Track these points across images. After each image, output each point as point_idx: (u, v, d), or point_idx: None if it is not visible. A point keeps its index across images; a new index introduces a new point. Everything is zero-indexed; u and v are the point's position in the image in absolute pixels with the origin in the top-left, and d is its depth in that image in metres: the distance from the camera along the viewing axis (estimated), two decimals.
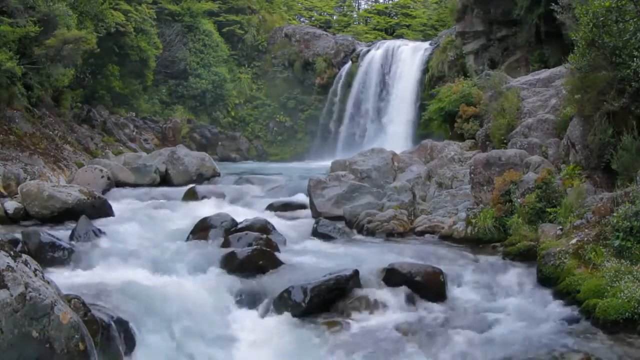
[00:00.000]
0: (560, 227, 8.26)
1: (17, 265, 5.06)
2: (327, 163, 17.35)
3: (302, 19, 44.96)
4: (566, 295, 6.88)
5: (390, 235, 10.30)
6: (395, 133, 26.10)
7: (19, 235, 8.75)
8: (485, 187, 10.26)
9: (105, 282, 7.02)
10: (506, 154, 10.50)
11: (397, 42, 31.78)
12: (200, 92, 31.33)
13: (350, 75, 30.49)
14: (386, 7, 46.68)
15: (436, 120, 20.02)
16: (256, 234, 9.26)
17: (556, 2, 13.14)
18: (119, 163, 17.18)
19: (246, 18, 34.61)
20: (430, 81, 25.84)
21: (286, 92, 33.06)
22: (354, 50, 32.09)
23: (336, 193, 12.04)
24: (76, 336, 4.91)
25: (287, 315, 6.71)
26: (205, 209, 12.31)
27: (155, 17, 28.79)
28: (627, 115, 8.74)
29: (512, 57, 21.64)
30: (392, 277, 7.43)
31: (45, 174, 14.69)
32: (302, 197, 13.19)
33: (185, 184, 16.24)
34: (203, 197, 13.81)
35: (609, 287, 6.35)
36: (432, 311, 6.92)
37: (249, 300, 7.09)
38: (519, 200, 9.23)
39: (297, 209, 12.64)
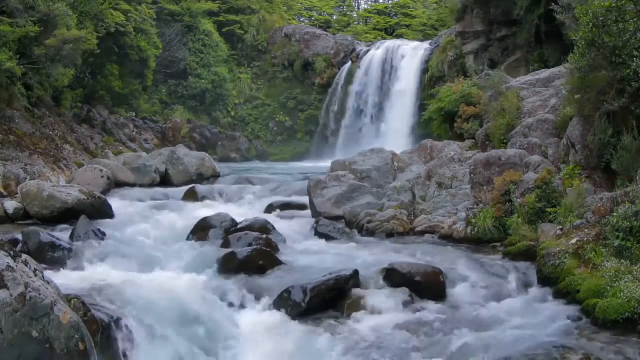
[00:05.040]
0: (560, 227, 8.25)
1: (17, 265, 5.06)
2: (327, 163, 17.33)
3: (302, 19, 44.94)
4: (566, 295, 6.87)
5: (390, 235, 10.30)
6: (395, 133, 26.10)
7: (19, 235, 8.75)
8: (485, 187, 10.26)
9: (106, 282, 7.01)
10: (506, 154, 10.49)
11: (397, 42, 31.82)
12: (200, 92, 31.33)
13: (350, 75, 30.51)
14: (386, 7, 46.68)
15: (436, 120, 19.98)
16: (256, 234, 9.26)
17: (556, 2, 13.11)
18: (119, 163, 17.16)
19: (246, 18, 34.62)
20: (430, 81, 25.84)
21: (286, 92, 33.07)
22: (353, 50, 32.11)
23: (336, 193, 12.03)
24: (76, 336, 4.91)
25: (287, 315, 6.70)
26: (205, 209, 12.30)
27: (155, 17, 28.79)
28: (627, 115, 8.73)
29: (512, 57, 21.63)
30: (392, 277, 7.43)
31: (45, 174, 14.69)
32: (302, 197, 13.17)
33: (185, 184, 16.23)
34: (203, 197, 13.84)
35: (609, 287, 6.34)
36: (432, 311, 6.90)
37: (249, 300, 7.09)
38: (519, 200, 9.22)
39: (297, 209, 12.63)
